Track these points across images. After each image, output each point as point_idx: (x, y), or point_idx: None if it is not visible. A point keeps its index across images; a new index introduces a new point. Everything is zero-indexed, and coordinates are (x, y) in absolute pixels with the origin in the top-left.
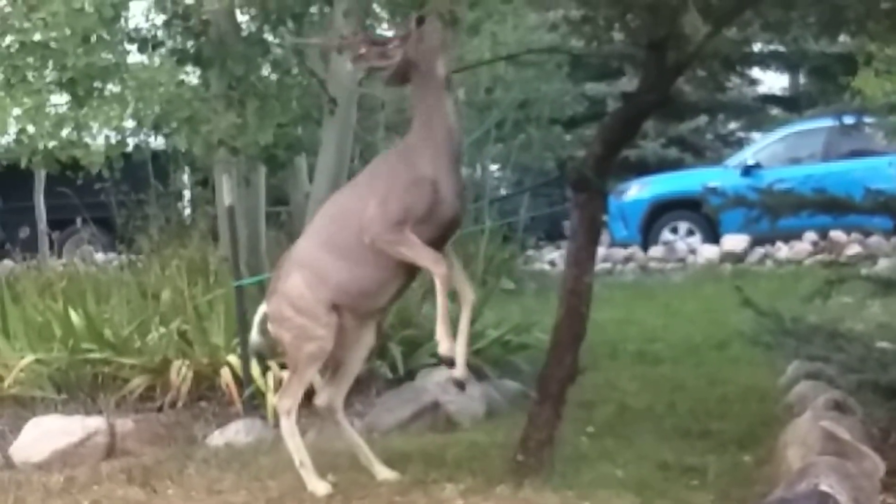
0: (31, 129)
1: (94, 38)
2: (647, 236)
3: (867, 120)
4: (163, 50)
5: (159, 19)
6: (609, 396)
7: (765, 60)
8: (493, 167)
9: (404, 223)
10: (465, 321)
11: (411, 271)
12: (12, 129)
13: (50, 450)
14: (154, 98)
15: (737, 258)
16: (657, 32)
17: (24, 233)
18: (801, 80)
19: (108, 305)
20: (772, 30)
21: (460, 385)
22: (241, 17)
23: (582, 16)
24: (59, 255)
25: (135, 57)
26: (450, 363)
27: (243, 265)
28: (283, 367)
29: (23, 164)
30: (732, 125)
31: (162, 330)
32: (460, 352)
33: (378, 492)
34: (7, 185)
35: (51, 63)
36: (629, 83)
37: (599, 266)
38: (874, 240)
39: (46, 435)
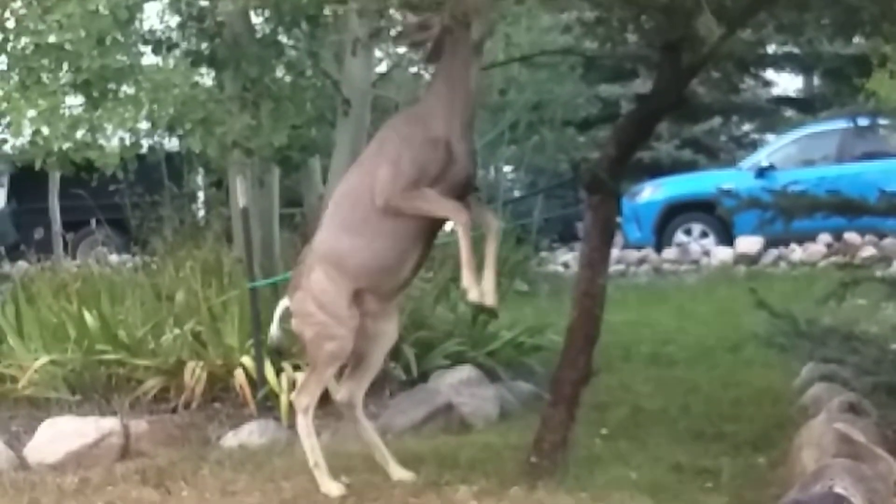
0: (45, 130)
1: (108, 40)
2: (661, 238)
3: (881, 122)
4: (177, 51)
5: (174, 21)
6: (623, 398)
7: (779, 62)
8: (507, 169)
9: (418, 182)
10: (491, 249)
11: (429, 237)
12: (27, 130)
13: (64, 451)
14: (168, 100)
15: (751, 260)
16: (671, 34)
17: (38, 234)
18: (816, 81)
19: (122, 307)
20: (786, 31)
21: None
22: (256, 19)
23: (596, 17)
24: (74, 257)
25: (149, 59)
26: (480, 305)
27: (257, 266)
28: (296, 368)
29: (37, 166)
30: (746, 127)
31: (176, 331)
32: (489, 277)
33: (391, 493)
34: (22, 186)
35: (65, 65)
36: (643, 85)
37: (613, 268)
38: (889, 242)
39: (61, 436)
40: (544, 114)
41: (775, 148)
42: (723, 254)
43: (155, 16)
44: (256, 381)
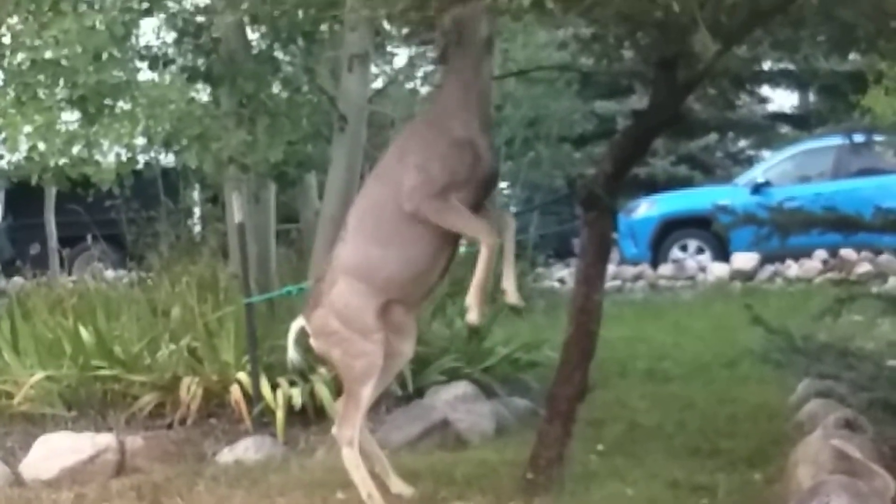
0: (41, 146)
1: (105, 56)
2: (657, 254)
3: (877, 138)
4: (173, 67)
5: (170, 37)
6: (619, 414)
7: (774, 78)
8: (503, 184)
9: (449, 188)
10: (509, 248)
11: (456, 239)
12: (23, 146)
13: (59, 467)
14: (165, 115)
15: (747, 276)
16: (667, 50)
17: (34, 249)
18: (811, 98)
19: (118, 322)
20: (782, 48)
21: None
22: (252, 35)
23: (592, 34)
24: (70, 272)
25: (146, 74)
26: (474, 323)
27: (253, 282)
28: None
29: (33, 182)
30: (742, 143)
31: (172, 347)
32: (509, 274)
33: None
34: (18, 202)
35: (62, 80)
36: (639, 101)
37: (609, 284)
38: (884, 258)
39: (56, 452)
40: (540, 129)
41: (771, 164)
42: (719, 270)
43: (151, 32)
44: (252, 397)
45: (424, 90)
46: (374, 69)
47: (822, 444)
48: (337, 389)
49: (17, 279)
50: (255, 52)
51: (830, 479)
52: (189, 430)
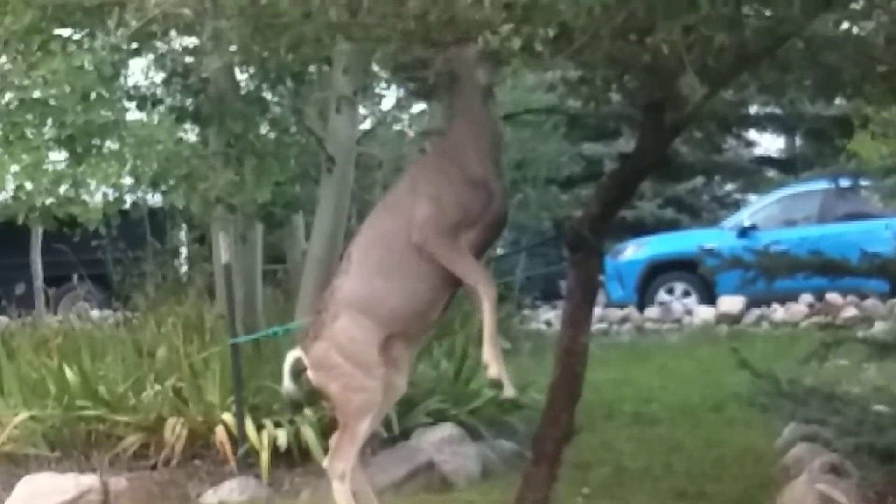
0: (28, 185)
1: (93, 96)
2: (644, 297)
3: (863, 183)
4: (162, 107)
5: (158, 77)
6: (605, 457)
7: (761, 122)
8: None
9: (460, 226)
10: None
11: (459, 279)
12: (10, 185)
13: None
14: (152, 155)
15: (733, 319)
16: (654, 93)
17: (20, 289)
18: (798, 142)
19: (103, 362)
20: (768, 92)
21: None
22: (240, 76)
23: (580, 77)
24: (55, 312)
25: (134, 114)
26: (497, 385)
27: (239, 323)
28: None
29: (20, 221)
30: (729, 186)
31: (157, 387)
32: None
33: None
34: (3, 241)
35: (50, 120)
36: (626, 144)
37: (595, 326)
38: (870, 302)
39: (39, 492)
40: (528, 172)
41: (757, 208)
42: (705, 313)
43: (140, 72)
44: (237, 438)
45: (412, 132)
46: (362, 110)
47: (807, 489)
48: (322, 431)
49: (2, 318)
50: (243, 92)
51: None
52: (173, 472)
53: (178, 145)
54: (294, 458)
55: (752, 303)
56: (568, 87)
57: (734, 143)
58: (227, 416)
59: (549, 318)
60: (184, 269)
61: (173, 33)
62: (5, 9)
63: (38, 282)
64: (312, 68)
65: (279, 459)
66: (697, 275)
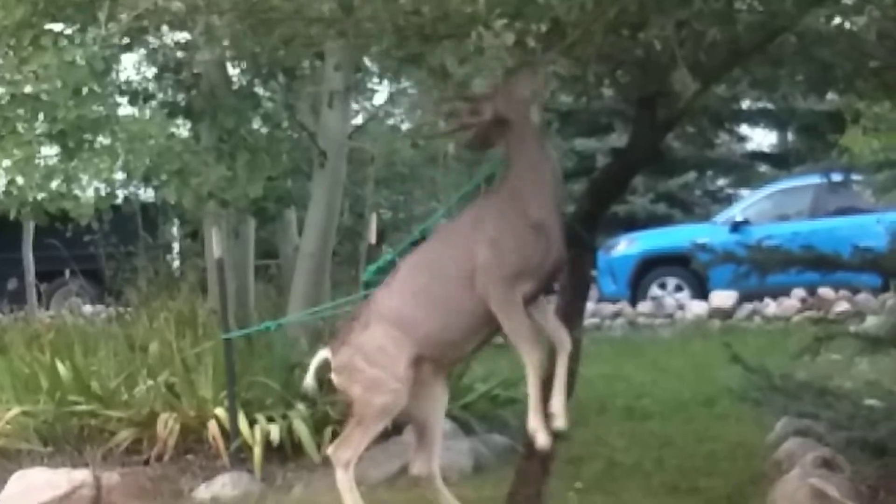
0: (20, 180)
1: (85, 91)
2: (636, 292)
3: (855, 177)
4: (154, 102)
5: (150, 72)
6: (597, 452)
7: (753, 117)
8: None
9: (520, 276)
10: (561, 373)
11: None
12: (1, 180)
13: (35, 503)
14: (144, 150)
15: (725, 314)
16: (647, 89)
17: (12, 284)
18: (790, 137)
19: (95, 358)
20: (760, 87)
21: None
22: (233, 71)
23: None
24: (47, 307)
25: (125, 109)
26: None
27: (232, 318)
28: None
29: (12, 216)
30: (721, 181)
31: (149, 382)
32: (559, 397)
33: None
34: None
35: (41, 115)
36: (619, 139)
37: (588, 321)
38: (862, 297)
39: (32, 488)
40: None
41: (749, 203)
42: (697, 308)
43: (132, 67)
44: (230, 433)
45: (405, 127)
46: (354, 105)
47: (800, 483)
48: (314, 426)
49: None
50: (235, 87)
51: None
52: (166, 466)
53: (170, 140)
54: (286, 452)
55: (745, 297)
56: (560, 82)
57: (726, 139)
58: (220, 411)
59: None
60: (176, 264)
61: (165, 28)
62: None
63: (31, 277)
64: (304, 64)
65: (272, 454)
66: (690, 270)
